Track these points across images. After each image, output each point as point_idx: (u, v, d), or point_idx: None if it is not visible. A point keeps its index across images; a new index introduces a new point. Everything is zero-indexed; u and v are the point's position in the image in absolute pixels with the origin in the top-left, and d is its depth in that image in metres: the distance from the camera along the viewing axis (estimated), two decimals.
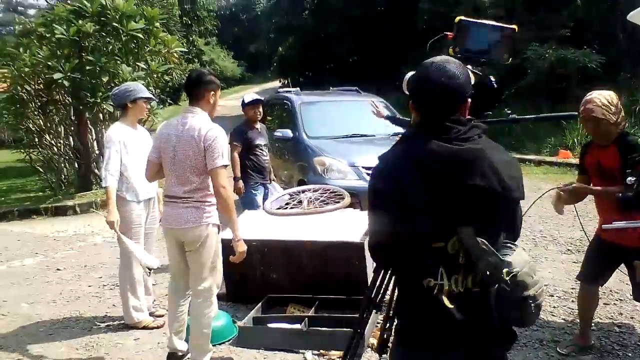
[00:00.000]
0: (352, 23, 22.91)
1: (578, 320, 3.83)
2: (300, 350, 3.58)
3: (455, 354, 1.64)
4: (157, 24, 8.93)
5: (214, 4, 37.10)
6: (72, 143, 9.88)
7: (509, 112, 2.33)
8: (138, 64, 8.68)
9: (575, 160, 10.85)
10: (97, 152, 9.55)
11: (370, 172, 5.95)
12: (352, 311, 3.94)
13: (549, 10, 14.42)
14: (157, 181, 3.75)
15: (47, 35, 8.74)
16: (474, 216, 1.59)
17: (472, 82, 2.00)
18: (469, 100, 1.68)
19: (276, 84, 31.24)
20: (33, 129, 10.03)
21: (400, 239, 1.63)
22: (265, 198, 5.46)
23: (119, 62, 8.47)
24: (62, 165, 10.42)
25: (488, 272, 1.57)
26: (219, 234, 3.30)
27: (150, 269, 3.89)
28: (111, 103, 7.87)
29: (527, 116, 2.68)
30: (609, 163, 3.14)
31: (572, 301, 4.26)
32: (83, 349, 3.77)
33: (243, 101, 5.63)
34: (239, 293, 4.40)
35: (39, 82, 9.08)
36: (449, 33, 2.26)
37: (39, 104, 9.46)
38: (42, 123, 9.97)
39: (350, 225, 4.38)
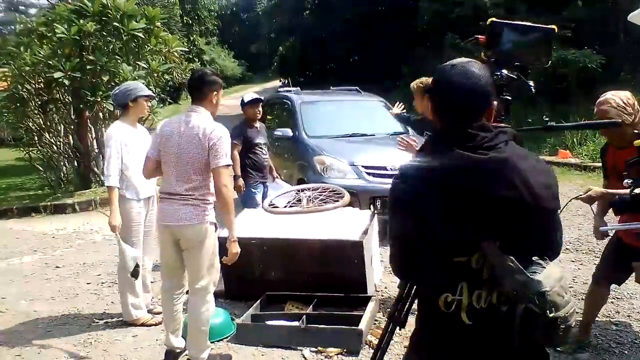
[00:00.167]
0: (352, 23, 22.93)
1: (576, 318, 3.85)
2: (299, 348, 3.58)
3: None
4: (158, 24, 8.95)
5: (214, 3, 37.15)
6: (71, 142, 9.88)
7: (547, 119, 2.20)
8: (139, 63, 8.70)
9: (575, 160, 10.87)
10: (96, 150, 9.57)
11: (369, 171, 6.04)
12: (349, 309, 3.96)
13: (550, 10, 14.43)
14: (156, 179, 3.76)
15: (48, 35, 8.75)
16: (501, 230, 1.49)
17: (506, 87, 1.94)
18: (494, 104, 1.59)
19: (276, 83, 31.27)
20: (33, 127, 10.04)
21: (420, 252, 1.57)
22: (264, 196, 5.47)
23: (119, 61, 8.49)
24: (62, 163, 10.43)
25: (515, 291, 1.48)
26: (216, 232, 3.31)
27: (133, 276, 3.84)
28: (111, 102, 7.92)
29: (566, 124, 2.53)
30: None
31: None
32: (81, 346, 3.77)
33: (242, 100, 5.64)
34: (238, 291, 4.40)
35: (39, 81, 9.08)
36: (480, 36, 2.12)
37: (39, 102, 9.46)
38: (42, 122, 9.97)
39: (349, 224, 4.39)
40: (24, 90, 9.25)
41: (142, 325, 4.01)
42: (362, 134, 7.04)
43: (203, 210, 3.17)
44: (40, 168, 10.69)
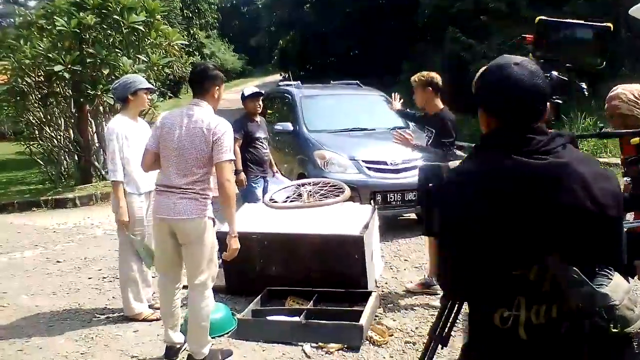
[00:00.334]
0: (353, 17, 22.83)
1: None
2: (299, 343, 3.59)
3: None
4: (158, 17, 8.93)
5: None
6: (72, 136, 9.88)
7: (602, 125, 2.15)
8: (139, 56, 8.68)
9: None
10: (97, 144, 9.56)
11: (370, 165, 6.04)
12: (350, 304, 3.97)
13: (551, 5, 14.37)
14: (157, 173, 3.75)
15: (48, 27, 8.73)
16: (562, 240, 1.39)
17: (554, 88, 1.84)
18: (548, 106, 1.51)
19: (277, 77, 31.19)
20: (33, 121, 10.03)
21: (474, 267, 1.46)
22: (265, 191, 5.47)
23: (119, 54, 8.47)
24: (62, 157, 10.43)
25: (580, 305, 1.38)
26: (214, 227, 3.30)
27: (149, 267, 3.88)
28: (112, 95, 7.90)
29: (621, 130, 2.40)
30: None
31: None
32: (82, 341, 3.78)
33: (243, 94, 5.63)
34: (239, 286, 4.40)
35: (39, 74, 9.07)
36: (527, 35, 2.00)
37: (39, 96, 9.45)
38: (42, 115, 9.97)
39: (350, 219, 4.39)
40: (24, 83, 9.23)
41: (144, 320, 4.02)
42: (363, 129, 7.03)
43: (202, 204, 3.16)
44: (41, 162, 10.70)
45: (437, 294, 4.36)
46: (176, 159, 3.14)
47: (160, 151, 3.21)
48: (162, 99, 11.88)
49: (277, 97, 8.31)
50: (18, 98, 9.46)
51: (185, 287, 3.54)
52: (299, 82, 8.76)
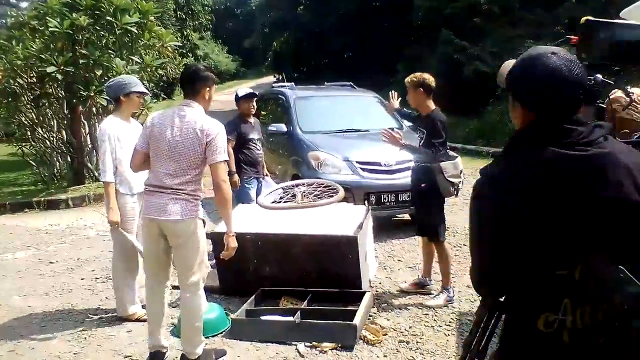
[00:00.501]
0: (347, 18, 22.87)
1: None
2: (293, 343, 3.59)
3: None
4: (152, 18, 8.90)
5: None
6: (65, 137, 9.83)
7: None
8: (132, 57, 8.65)
9: None
10: (90, 146, 9.52)
11: (364, 166, 6.05)
12: (344, 304, 3.98)
13: (543, 7, 14.47)
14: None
15: (40, 28, 8.68)
16: (608, 236, 1.32)
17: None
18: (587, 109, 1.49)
19: (271, 79, 31.18)
20: (26, 122, 9.98)
21: (514, 269, 1.40)
22: (259, 192, 5.47)
23: (112, 55, 8.44)
24: (55, 159, 10.38)
25: (627, 306, 1.31)
26: (204, 228, 3.29)
27: None
28: (105, 97, 7.87)
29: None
30: None
31: None
32: (75, 341, 3.77)
33: (237, 95, 5.63)
34: (233, 286, 4.41)
35: (31, 75, 9.02)
36: (572, 36, 1.92)
37: (31, 97, 9.39)
38: (34, 117, 9.92)
39: (344, 219, 4.40)
40: (16, 84, 9.19)
41: (137, 320, 4.01)
42: (357, 130, 7.04)
43: (193, 205, 3.15)
44: (34, 163, 10.64)
45: (430, 294, 4.39)
46: (168, 160, 3.12)
47: (151, 151, 3.19)
48: (155, 100, 11.85)
49: (271, 99, 8.31)
50: (10, 99, 9.41)
51: (176, 287, 3.53)
52: (293, 83, 8.77)
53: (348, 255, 4.11)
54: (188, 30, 32.73)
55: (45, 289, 4.85)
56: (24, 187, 10.27)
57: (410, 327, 3.86)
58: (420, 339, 3.69)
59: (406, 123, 6.60)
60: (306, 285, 4.12)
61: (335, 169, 6.14)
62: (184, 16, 32.60)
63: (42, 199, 8.55)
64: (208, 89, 3.24)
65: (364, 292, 4.05)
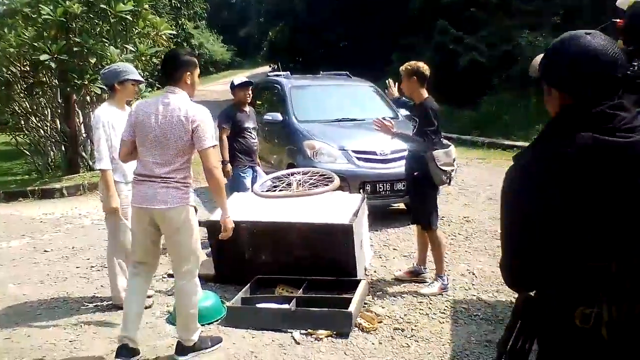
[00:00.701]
0: (343, 8, 22.74)
1: None
2: (289, 330, 3.61)
3: None
4: (146, 6, 8.82)
5: None
6: (59, 126, 9.76)
7: None
8: (126, 46, 8.58)
9: None
10: (84, 135, 9.47)
11: (359, 156, 6.05)
12: (339, 292, 4.00)
13: None
14: None
15: (33, 16, 8.57)
16: None
17: None
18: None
19: (266, 69, 31.03)
20: (19, 111, 9.89)
21: (547, 260, 1.34)
22: (254, 181, 5.46)
23: (106, 44, 8.35)
24: (49, 148, 10.30)
25: None
26: (196, 215, 3.28)
27: None
28: (99, 85, 7.82)
29: None
30: None
31: None
32: (71, 328, 3.77)
33: (232, 83, 5.61)
34: (228, 274, 4.42)
35: (24, 63, 8.93)
36: (618, 20, 1.83)
37: (24, 86, 9.31)
38: (28, 105, 9.83)
39: (339, 208, 4.41)
40: (9, 73, 9.09)
41: None
42: (352, 119, 7.03)
43: (183, 192, 3.14)
44: (27, 153, 10.56)
45: (425, 282, 4.41)
46: (155, 148, 3.09)
47: (137, 141, 3.15)
48: (150, 89, 11.79)
49: (267, 88, 8.29)
50: (3, 88, 9.31)
51: (171, 275, 3.52)
52: (289, 72, 8.74)
53: (343, 243, 4.13)
54: (183, 19, 32.48)
55: (40, 277, 4.85)
56: (18, 176, 10.20)
57: (405, 315, 3.88)
58: (415, 326, 3.72)
59: (402, 112, 6.60)
60: (301, 273, 4.13)
61: (330, 158, 6.14)
62: (178, 5, 32.31)
63: (37, 188, 8.50)
64: (189, 73, 3.17)
65: (359, 280, 4.07)
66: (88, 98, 9.09)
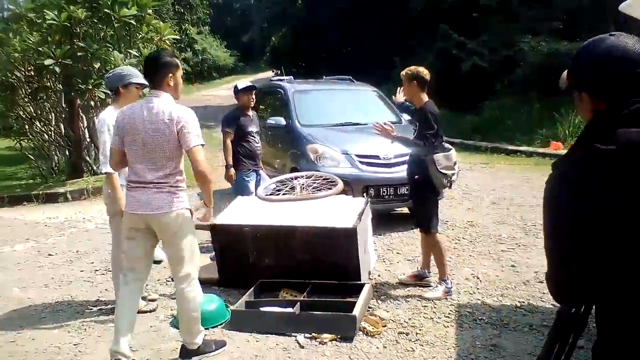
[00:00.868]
0: (345, 13, 22.83)
1: None
2: (293, 334, 3.60)
3: None
4: (150, 11, 8.86)
5: None
6: (63, 130, 9.81)
7: None
8: (130, 50, 8.62)
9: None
10: (88, 139, 9.51)
11: (362, 160, 6.06)
12: (343, 296, 3.99)
13: (540, 2, 14.45)
14: None
15: (38, 21, 8.64)
16: None
17: None
18: None
19: (269, 74, 31.08)
20: (23, 116, 9.96)
21: (602, 268, 1.27)
22: (257, 184, 5.47)
23: (110, 48, 8.40)
24: (53, 152, 10.36)
25: None
26: (192, 218, 3.25)
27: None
28: (103, 90, 7.86)
29: None
30: None
31: None
32: (75, 332, 3.77)
33: (236, 87, 5.62)
34: (232, 278, 4.41)
35: (29, 68, 8.99)
36: None
37: (29, 90, 9.37)
38: (32, 110, 9.89)
39: (343, 211, 4.40)
40: (14, 77, 9.15)
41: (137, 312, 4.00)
42: (355, 123, 7.04)
43: (177, 197, 3.12)
44: (32, 157, 10.61)
45: (429, 286, 4.40)
46: (144, 154, 3.06)
47: (126, 148, 3.12)
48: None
49: (270, 92, 8.31)
50: (8, 92, 9.39)
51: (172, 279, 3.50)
52: (291, 76, 8.76)
53: (347, 247, 4.12)
54: (186, 24, 32.66)
55: (44, 280, 4.85)
56: (23, 180, 10.24)
57: (409, 319, 3.87)
58: (420, 330, 3.71)
59: (405, 117, 6.61)
60: (305, 277, 4.13)
61: (334, 162, 6.15)
62: (182, 10, 32.50)
63: (41, 192, 8.53)
64: (171, 75, 3.14)
65: (363, 284, 4.06)
66: (92, 102, 9.14)
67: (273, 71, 29.40)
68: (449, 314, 3.97)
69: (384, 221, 6.02)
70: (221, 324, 3.79)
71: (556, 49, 13.04)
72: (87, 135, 9.53)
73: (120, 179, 3.88)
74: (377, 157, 6.10)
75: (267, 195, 4.86)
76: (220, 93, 24.36)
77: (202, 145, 3.10)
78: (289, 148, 6.87)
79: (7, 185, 9.77)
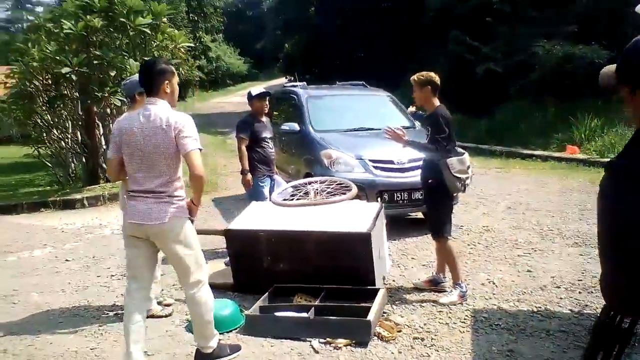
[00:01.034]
0: (358, 19, 22.88)
1: (585, 311, 3.86)
2: (307, 339, 3.60)
3: None
4: (164, 19, 8.99)
5: (220, 0, 37.19)
6: (79, 138, 9.95)
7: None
8: (145, 58, 8.72)
9: (583, 156, 10.81)
10: (104, 146, 9.62)
11: (376, 165, 6.05)
12: (358, 301, 3.98)
13: (555, 5, 14.34)
14: None
15: (55, 31, 8.81)
16: None
17: None
18: None
19: (282, 80, 31.27)
20: (41, 124, 10.12)
21: None
22: (272, 190, 5.49)
23: (126, 57, 8.53)
24: (70, 159, 10.51)
25: None
26: (193, 225, 3.24)
27: None
28: (119, 97, 7.97)
29: None
30: None
31: (579, 292, 4.28)
32: (92, 336, 3.81)
33: (250, 94, 5.65)
34: (246, 283, 4.43)
35: (47, 77, 9.15)
36: None
37: (47, 98, 9.53)
38: (49, 118, 10.05)
39: (357, 216, 4.40)
40: (32, 86, 9.31)
41: (152, 316, 4.02)
42: (369, 128, 7.03)
43: (177, 206, 3.11)
44: (49, 164, 10.77)
45: (444, 291, 4.37)
46: (143, 162, 3.07)
47: (124, 157, 3.13)
48: None
49: (283, 98, 8.34)
50: (26, 101, 9.55)
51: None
52: (305, 82, 8.79)
53: (361, 251, 4.11)
54: (200, 32, 33.00)
55: (61, 286, 4.91)
56: (40, 187, 10.40)
57: (424, 324, 3.85)
58: (435, 335, 3.68)
59: (418, 123, 6.60)
60: (320, 282, 4.13)
61: (348, 167, 6.14)
62: (196, 18, 32.85)
63: (58, 198, 8.66)
64: (167, 82, 3.13)
65: (377, 289, 4.04)
66: (108, 110, 9.27)
67: (286, 77, 29.57)
68: (465, 319, 3.93)
69: (398, 226, 6.00)
70: (236, 329, 3.80)
71: (571, 53, 12.93)
72: (103, 143, 9.66)
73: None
74: (391, 162, 6.09)
75: (281, 200, 4.88)
76: (234, 100, 24.54)
77: (200, 149, 3.09)
78: (302, 154, 6.88)
79: (26, 192, 9.92)
